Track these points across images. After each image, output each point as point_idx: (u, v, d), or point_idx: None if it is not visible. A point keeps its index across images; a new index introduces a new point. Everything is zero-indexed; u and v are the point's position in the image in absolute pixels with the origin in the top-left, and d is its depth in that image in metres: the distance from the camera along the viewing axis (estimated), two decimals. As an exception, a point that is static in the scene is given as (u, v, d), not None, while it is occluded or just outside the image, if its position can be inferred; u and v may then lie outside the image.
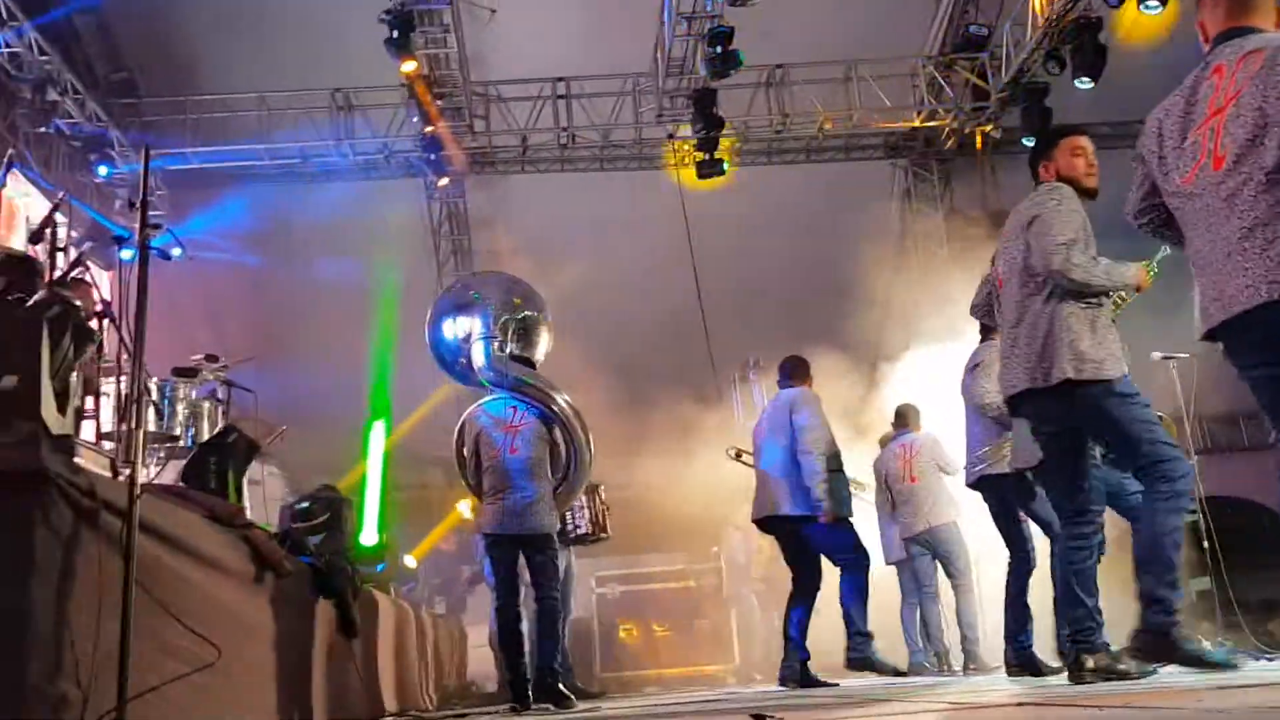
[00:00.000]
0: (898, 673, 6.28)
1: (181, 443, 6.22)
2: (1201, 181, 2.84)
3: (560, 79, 12.67)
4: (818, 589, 6.26)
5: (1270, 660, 5.28)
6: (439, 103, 12.00)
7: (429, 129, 11.95)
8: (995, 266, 4.25)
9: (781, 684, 6.16)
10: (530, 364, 6.13)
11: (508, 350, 6.09)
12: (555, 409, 5.87)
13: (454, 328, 6.30)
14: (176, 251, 3.93)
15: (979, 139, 12.97)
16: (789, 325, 11.21)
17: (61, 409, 3.27)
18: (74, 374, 3.34)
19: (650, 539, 10.98)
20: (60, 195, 4.24)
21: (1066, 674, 3.98)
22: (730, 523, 10.83)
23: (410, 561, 11.57)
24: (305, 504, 6.20)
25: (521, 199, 13.99)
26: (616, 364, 11.15)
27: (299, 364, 10.81)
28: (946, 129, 13.14)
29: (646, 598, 11.12)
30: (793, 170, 13.40)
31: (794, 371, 6.62)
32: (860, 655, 6.15)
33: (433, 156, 12.40)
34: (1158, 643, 3.63)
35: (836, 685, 5.91)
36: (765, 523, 6.45)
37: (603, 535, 7.43)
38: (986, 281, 4.49)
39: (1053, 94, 11.76)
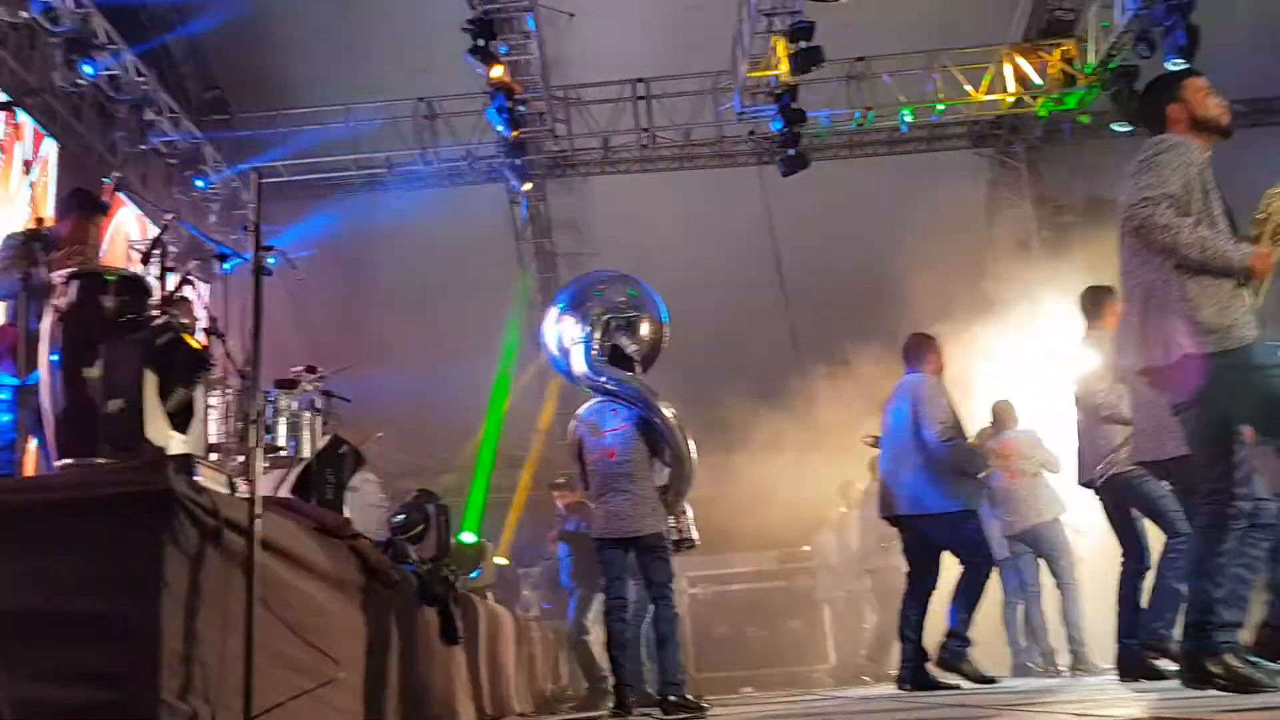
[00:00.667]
0: (985, 679, 6.05)
1: (284, 453, 6.36)
2: None
3: (640, 80, 12.67)
4: (934, 588, 6.06)
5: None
6: (521, 108, 12.08)
7: (515, 133, 12.03)
8: None
9: (900, 685, 6.00)
10: (630, 364, 6.08)
11: (606, 354, 6.05)
12: (652, 416, 5.83)
13: (557, 330, 6.31)
14: (269, 261, 4.03)
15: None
16: (875, 320, 11.06)
17: (181, 428, 3.35)
18: (195, 395, 3.41)
19: (742, 539, 10.92)
20: (169, 216, 4.35)
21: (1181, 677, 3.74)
22: (824, 522, 10.74)
23: (500, 561, 11.68)
24: (402, 515, 6.29)
25: (603, 201, 14.03)
26: (701, 362, 11.12)
27: (387, 370, 10.98)
28: (1033, 116, 12.85)
29: (739, 598, 11.07)
30: (876, 163, 13.23)
31: (913, 353, 6.26)
32: (954, 658, 5.89)
33: (516, 161, 12.50)
34: None
35: (957, 688, 5.77)
36: (889, 519, 6.26)
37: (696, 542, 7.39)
38: None
39: (1142, 77, 11.44)
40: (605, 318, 6.13)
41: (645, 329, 6.25)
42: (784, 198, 12.48)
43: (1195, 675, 3.35)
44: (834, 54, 11.27)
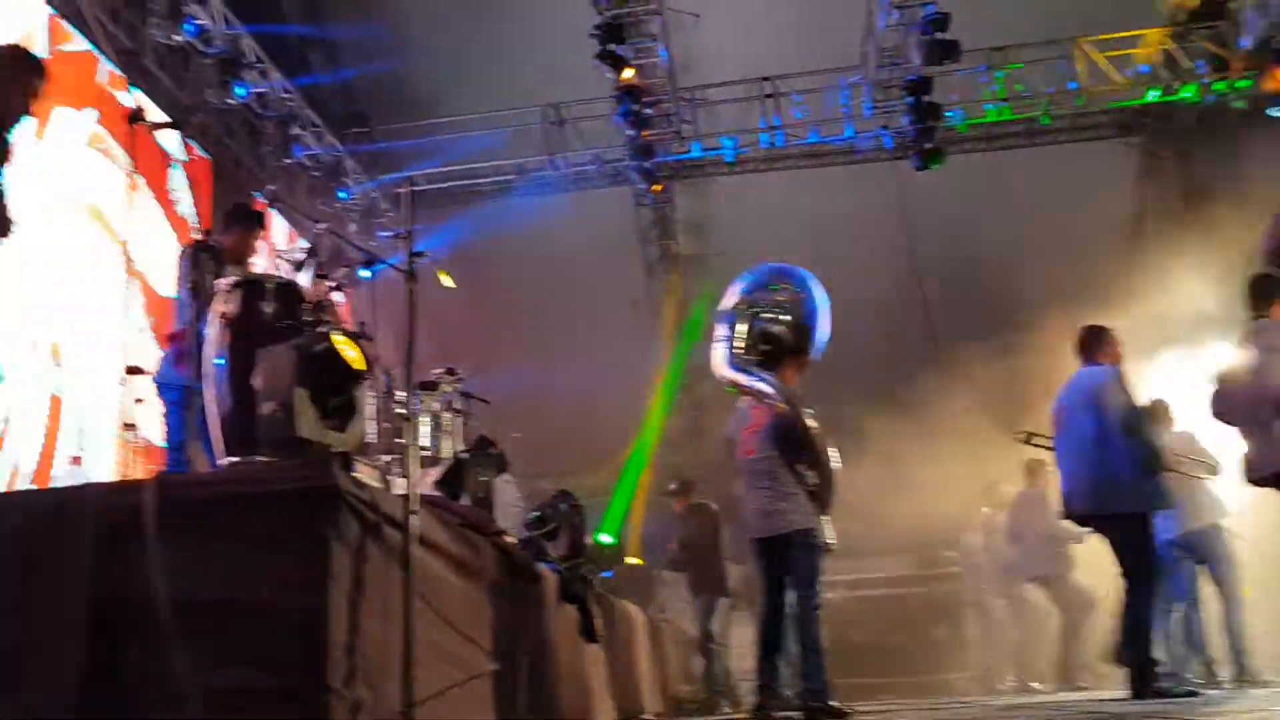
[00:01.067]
0: (1189, 693, 5.63)
1: (426, 452, 6.54)
2: None
3: (767, 78, 12.58)
4: (1152, 589, 5.67)
5: None
6: (648, 110, 12.14)
7: (643, 134, 12.09)
8: None
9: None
10: (783, 353, 5.95)
11: (755, 350, 5.98)
12: (788, 419, 5.70)
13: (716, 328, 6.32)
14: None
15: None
16: (1014, 317, 10.75)
17: (340, 427, 3.47)
18: (357, 394, 3.52)
19: (878, 543, 10.71)
20: (322, 226, 4.53)
21: None
22: (966, 525, 10.45)
23: (633, 561, 11.75)
24: (537, 513, 6.40)
25: (730, 201, 14.00)
26: (834, 362, 10.97)
27: (517, 371, 11.17)
28: (1182, 103, 12.27)
29: (877, 603, 10.84)
30: (1015, 155, 12.83)
31: (1089, 345, 5.96)
32: (1144, 686, 5.45)
33: (646, 164, 12.56)
34: None
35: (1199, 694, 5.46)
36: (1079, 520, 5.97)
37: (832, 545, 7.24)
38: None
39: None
40: (751, 310, 6.04)
41: (789, 318, 6.11)
42: (918, 193, 12.22)
43: None
44: (969, 43, 11.00)
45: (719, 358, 5.98)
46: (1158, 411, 7.38)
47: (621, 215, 14.13)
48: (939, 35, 10.52)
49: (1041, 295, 10.41)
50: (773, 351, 5.89)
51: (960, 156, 12.49)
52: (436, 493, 4.81)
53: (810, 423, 5.66)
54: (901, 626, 10.74)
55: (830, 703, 5.44)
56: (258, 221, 5.12)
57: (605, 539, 8.93)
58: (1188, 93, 11.99)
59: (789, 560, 5.63)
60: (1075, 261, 10.61)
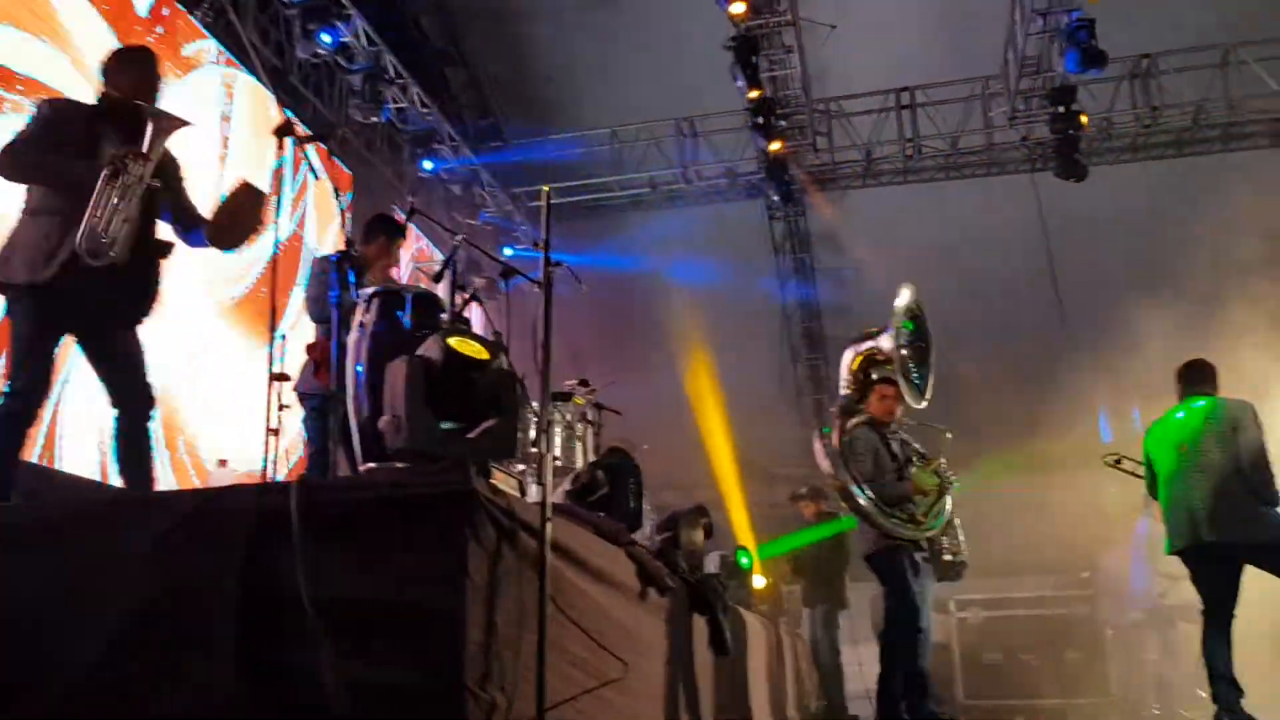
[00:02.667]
0: None
1: (561, 463, 6.63)
2: None
3: (904, 89, 12.37)
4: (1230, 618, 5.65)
5: None
6: (781, 123, 12.07)
7: (774, 147, 12.00)
8: None
9: None
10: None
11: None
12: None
13: None
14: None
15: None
16: (1161, 339, 10.28)
17: (465, 435, 3.54)
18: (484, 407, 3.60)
19: (1013, 562, 10.39)
20: (458, 238, 4.63)
21: None
22: (1107, 547, 10.06)
23: (759, 581, 11.64)
24: (663, 525, 6.45)
25: (865, 213, 13.80)
26: (969, 379, 10.71)
27: (644, 383, 11.21)
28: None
29: (1012, 624, 10.49)
30: (1163, 166, 12.30)
31: (1205, 377, 5.99)
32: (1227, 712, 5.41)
33: (785, 176, 12.47)
34: None
35: None
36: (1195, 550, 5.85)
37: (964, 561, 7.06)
38: None
39: None
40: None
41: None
42: (1059, 204, 11.83)
43: None
44: (1115, 51, 10.60)
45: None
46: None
47: (755, 228, 14.08)
48: (1085, 43, 10.15)
49: (1199, 308, 9.95)
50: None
51: (1105, 167, 12.06)
52: (567, 502, 4.86)
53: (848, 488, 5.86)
54: (1037, 648, 10.36)
55: None
56: (399, 232, 5.29)
57: (744, 561, 8.93)
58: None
59: None
60: (1233, 274, 10.09)
